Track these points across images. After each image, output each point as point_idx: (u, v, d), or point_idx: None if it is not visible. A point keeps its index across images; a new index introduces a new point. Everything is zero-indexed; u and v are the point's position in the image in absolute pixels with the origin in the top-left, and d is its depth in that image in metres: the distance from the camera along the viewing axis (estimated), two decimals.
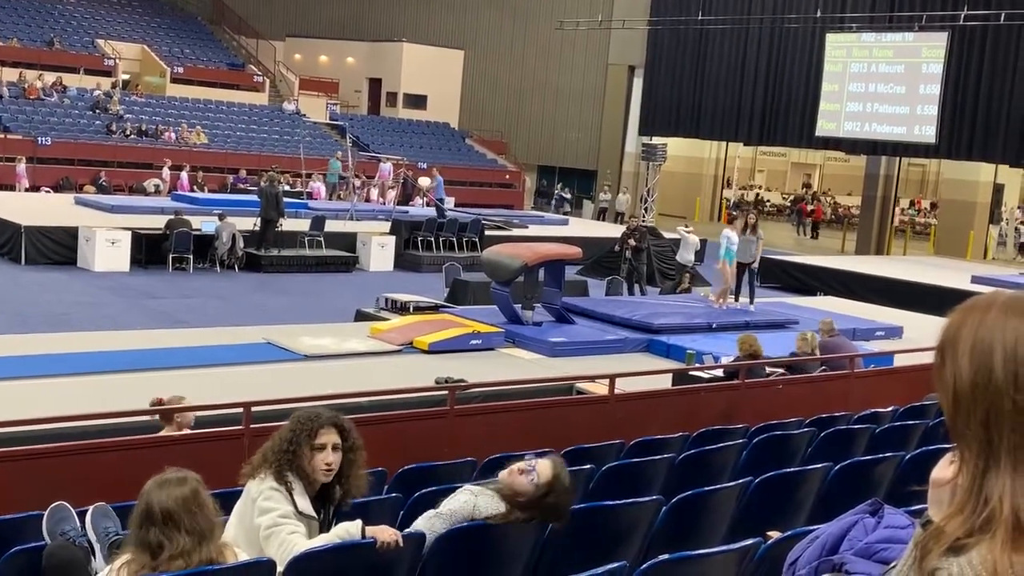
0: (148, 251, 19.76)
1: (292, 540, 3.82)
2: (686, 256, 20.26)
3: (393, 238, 22.94)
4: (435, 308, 14.48)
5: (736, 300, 16.44)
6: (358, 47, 42.38)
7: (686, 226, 21.16)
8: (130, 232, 19.71)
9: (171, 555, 3.33)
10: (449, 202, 30.28)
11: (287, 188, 26.00)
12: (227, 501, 4.10)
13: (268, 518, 3.89)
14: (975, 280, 20.59)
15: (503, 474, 4.16)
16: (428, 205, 28.22)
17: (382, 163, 31.49)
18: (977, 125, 26.95)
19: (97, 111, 32.33)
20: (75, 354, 10.52)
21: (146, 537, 3.36)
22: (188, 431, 6.70)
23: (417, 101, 41.81)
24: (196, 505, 3.40)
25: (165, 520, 3.35)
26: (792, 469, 5.88)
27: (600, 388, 9.38)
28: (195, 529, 3.37)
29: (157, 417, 6.85)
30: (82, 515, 4.31)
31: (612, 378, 8.64)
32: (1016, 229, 32.48)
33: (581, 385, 10.17)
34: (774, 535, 4.07)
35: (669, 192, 33.75)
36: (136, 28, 39.48)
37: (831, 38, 29.48)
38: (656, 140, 30.47)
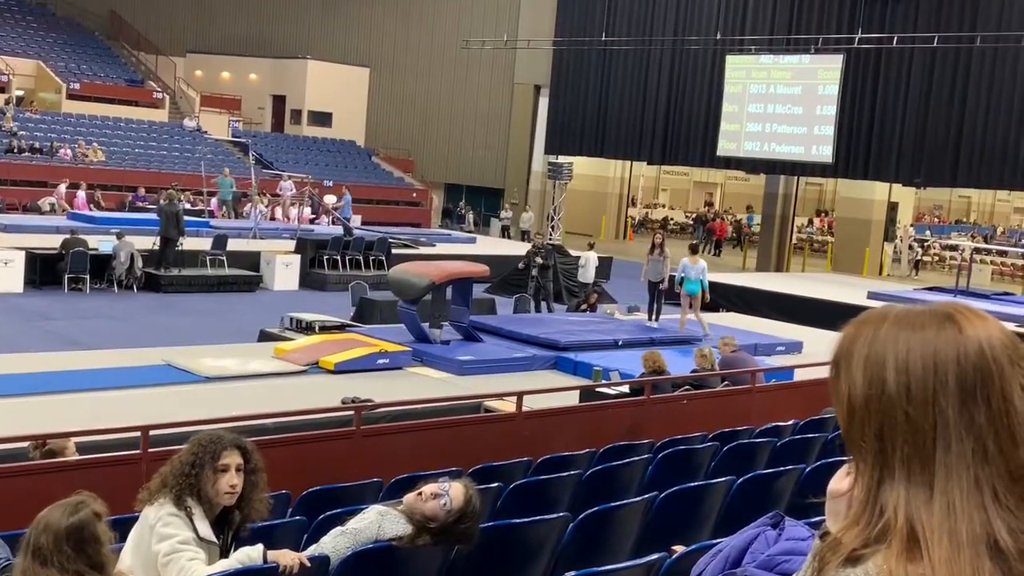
0: (43, 271, 19.19)
1: (192, 567, 3.73)
2: (586, 275, 20.45)
3: (298, 257, 22.66)
4: (341, 327, 14.34)
5: (650, 319, 16.66)
6: (261, 64, 41.87)
7: (589, 245, 21.39)
8: (24, 252, 19.13)
9: None
10: (356, 220, 30.03)
11: (187, 206, 25.48)
12: (123, 528, 3.99)
13: (167, 544, 3.79)
14: (871, 296, 21.16)
15: (410, 497, 4.08)
16: (334, 223, 27.93)
17: (283, 181, 31.04)
18: (872, 145, 27.77)
19: None
20: None
21: (38, 567, 3.24)
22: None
23: (322, 119, 41.45)
24: (91, 534, 3.30)
25: (58, 548, 3.24)
26: (696, 483, 5.95)
27: (508, 406, 9.38)
28: (90, 558, 3.27)
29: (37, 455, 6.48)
30: None
31: (520, 396, 8.65)
32: (910, 246, 33.48)
33: (489, 403, 10.16)
34: (679, 549, 4.10)
35: (575, 210, 34.04)
36: (31, 43, 38.39)
37: (731, 60, 30.09)
38: (562, 159, 30.82)
